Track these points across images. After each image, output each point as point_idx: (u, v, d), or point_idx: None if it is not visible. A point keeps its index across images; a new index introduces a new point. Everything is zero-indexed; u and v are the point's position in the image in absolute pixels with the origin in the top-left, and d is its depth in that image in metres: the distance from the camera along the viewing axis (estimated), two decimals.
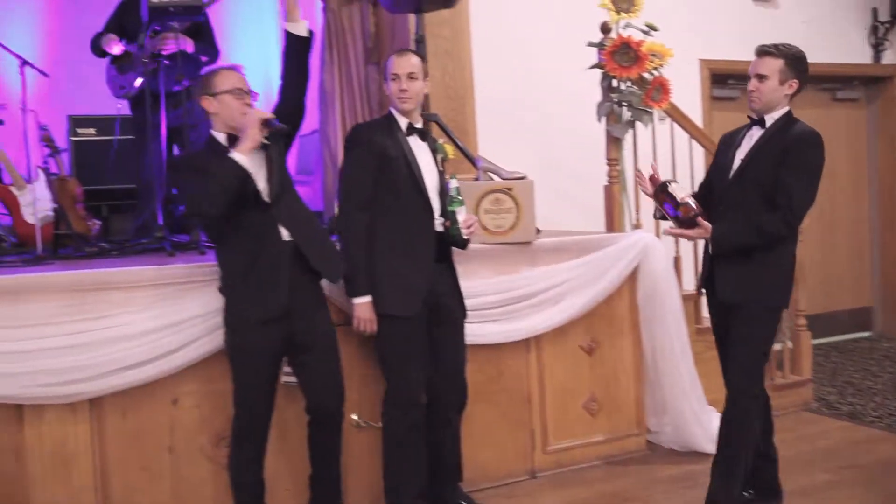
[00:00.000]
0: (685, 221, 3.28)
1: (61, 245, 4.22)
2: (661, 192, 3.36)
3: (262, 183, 3.05)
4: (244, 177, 2.95)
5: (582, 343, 4.15)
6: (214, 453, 3.36)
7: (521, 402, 4.02)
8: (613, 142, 4.46)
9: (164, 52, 4.47)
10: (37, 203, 4.16)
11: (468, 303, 3.60)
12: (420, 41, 4.13)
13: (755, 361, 3.27)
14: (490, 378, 3.93)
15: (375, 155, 3.27)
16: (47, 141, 4.58)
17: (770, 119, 3.26)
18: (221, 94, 3.04)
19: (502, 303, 3.87)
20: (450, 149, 3.73)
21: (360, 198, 3.27)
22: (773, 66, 3.21)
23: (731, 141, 3.41)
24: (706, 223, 3.24)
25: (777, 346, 5.01)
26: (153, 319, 3.20)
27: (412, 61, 3.33)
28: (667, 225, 3.51)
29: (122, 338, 3.15)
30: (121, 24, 4.73)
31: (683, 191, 3.33)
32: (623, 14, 4.21)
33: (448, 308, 3.43)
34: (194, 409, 3.35)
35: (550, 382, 4.08)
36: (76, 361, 3.08)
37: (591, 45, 4.30)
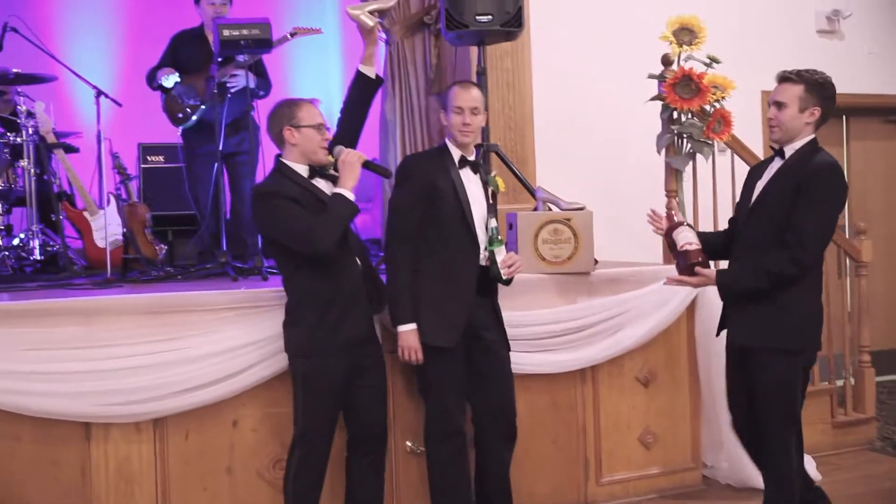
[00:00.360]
0: (685, 268, 3.16)
1: (129, 269, 4.35)
2: (669, 234, 3.26)
3: None
4: (356, 213, 3.10)
5: (638, 375, 4.12)
6: (271, 476, 3.42)
7: (575, 433, 4.00)
8: (673, 173, 4.43)
9: (230, 85, 4.61)
10: (107, 227, 4.30)
11: (524, 332, 3.61)
12: (482, 73, 4.20)
13: (781, 408, 3.08)
14: (544, 408, 3.92)
15: (424, 187, 3.29)
16: (119, 168, 4.76)
17: (790, 149, 3.07)
18: (305, 127, 3.12)
19: (559, 333, 3.86)
20: (501, 182, 3.76)
21: (406, 230, 3.30)
22: (792, 92, 3.02)
23: (756, 172, 3.23)
24: (707, 271, 3.11)
25: (839, 383, 4.92)
26: (218, 343, 3.28)
27: (475, 95, 3.35)
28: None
29: (187, 360, 3.23)
30: (175, 57, 4.88)
31: (691, 235, 3.19)
32: (685, 47, 4.19)
33: (490, 341, 3.41)
34: (253, 432, 3.41)
35: (605, 413, 4.05)
36: (144, 382, 3.17)
37: (651, 76, 4.30)
